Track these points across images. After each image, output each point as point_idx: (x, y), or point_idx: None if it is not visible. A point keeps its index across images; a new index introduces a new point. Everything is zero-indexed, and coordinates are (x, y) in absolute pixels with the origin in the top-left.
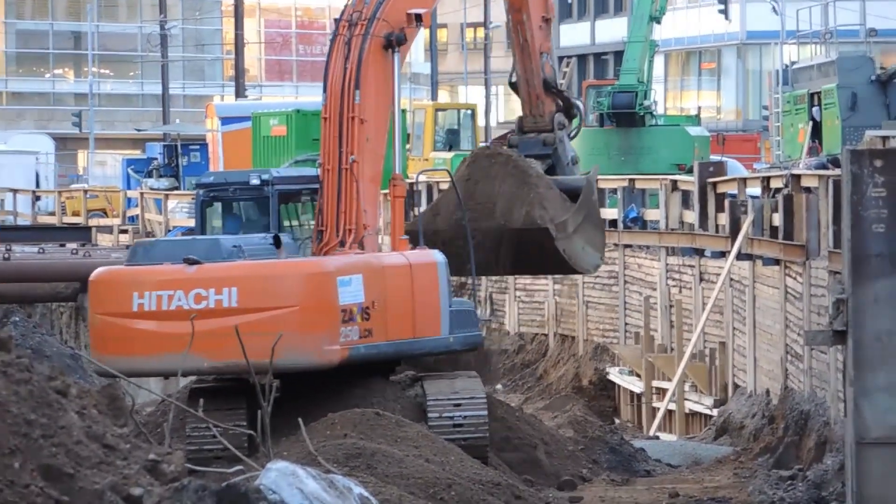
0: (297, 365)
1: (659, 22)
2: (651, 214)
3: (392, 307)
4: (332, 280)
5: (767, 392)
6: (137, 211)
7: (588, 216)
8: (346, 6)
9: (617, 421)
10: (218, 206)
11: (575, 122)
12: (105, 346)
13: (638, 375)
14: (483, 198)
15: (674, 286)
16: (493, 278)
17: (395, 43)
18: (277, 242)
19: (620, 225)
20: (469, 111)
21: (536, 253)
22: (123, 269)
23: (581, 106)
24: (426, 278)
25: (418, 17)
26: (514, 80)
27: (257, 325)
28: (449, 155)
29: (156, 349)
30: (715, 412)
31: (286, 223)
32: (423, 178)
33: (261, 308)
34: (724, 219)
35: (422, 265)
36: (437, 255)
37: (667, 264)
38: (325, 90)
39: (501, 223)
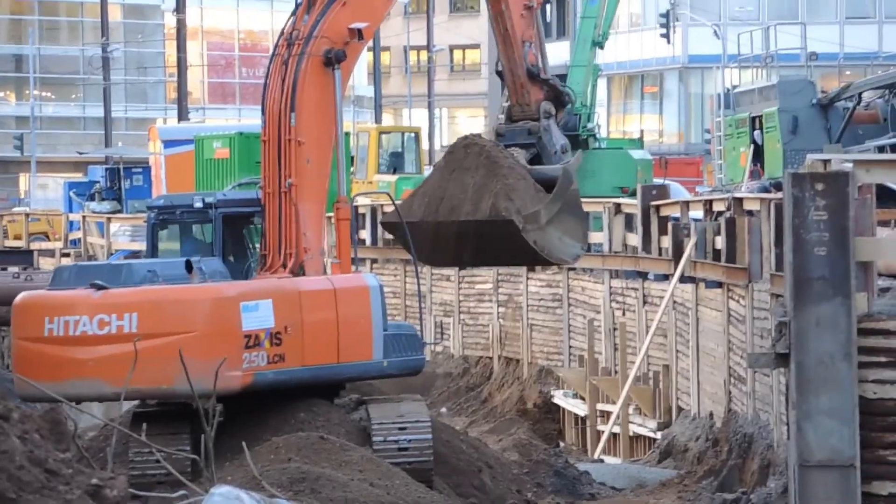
0: (197, 391)
1: (602, 47)
2: (595, 237)
3: (310, 332)
4: (234, 305)
5: (711, 415)
6: (79, 234)
7: (566, 205)
8: (285, 24)
9: (562, 444)
10: (168, 228)
11: (576, 108)
12: (23, 370)
13: (582, 398)
14: (456, 189)
15: (617, 309)
16: (438, 301)
17: (335, 60)
18: (189, 267)
19: None
20: (413, 134)
21: (505, 245)
22: (41, 294)
23: (571, 93)
24: (354, 303)
25: (360, 32)
26: (499, 69)
27: (157, 351)
28: (393, 178)
29: (63, 374)
30: (659, 435)
31: (239, 245)
32: (363, 199)
33: (161, 333)
34: (667, 242)
35: (349, 289)
36: (369, 279)
37: (610, 287)
38: (263, 112)
39: (468, 215)
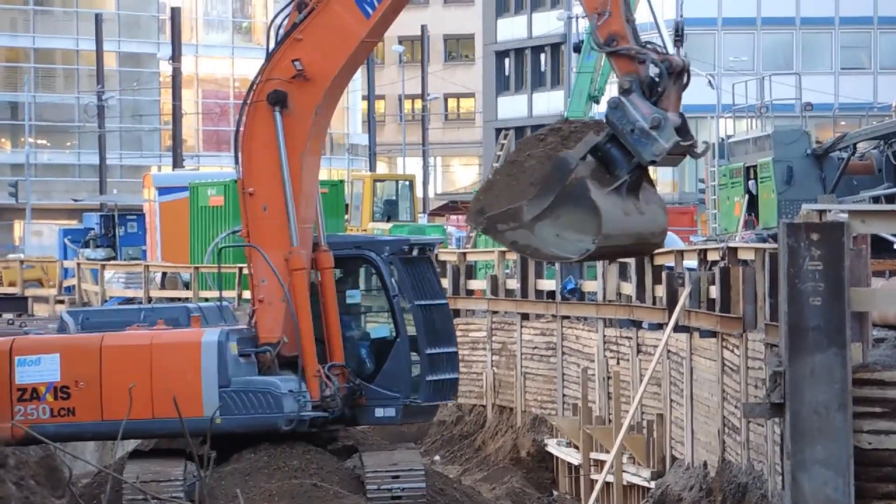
0: None
1: (598, 102)
2: (589, 286)
3: (111, 387)
4: (5, 359)
5: (705, 464)
6: (74, 281)
7: (564, 198)
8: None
9: (555, 493)
10: None
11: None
12: None
13: (576, 447)
14: None
15: (611, 357)
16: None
17: (274, 101)
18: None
19: (558, 296)
20: (407, 182)
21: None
22: None
23: (656, 57)
24: (178, 359)
25: (303, 71)
26: None
27: None
28: (388, 226)
29: None
30: (653, 484)
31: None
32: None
33: None
34: (661, 291)
35: (171, 345)
36: (206, 336)
37: (604, 336)
38: (236, 162)
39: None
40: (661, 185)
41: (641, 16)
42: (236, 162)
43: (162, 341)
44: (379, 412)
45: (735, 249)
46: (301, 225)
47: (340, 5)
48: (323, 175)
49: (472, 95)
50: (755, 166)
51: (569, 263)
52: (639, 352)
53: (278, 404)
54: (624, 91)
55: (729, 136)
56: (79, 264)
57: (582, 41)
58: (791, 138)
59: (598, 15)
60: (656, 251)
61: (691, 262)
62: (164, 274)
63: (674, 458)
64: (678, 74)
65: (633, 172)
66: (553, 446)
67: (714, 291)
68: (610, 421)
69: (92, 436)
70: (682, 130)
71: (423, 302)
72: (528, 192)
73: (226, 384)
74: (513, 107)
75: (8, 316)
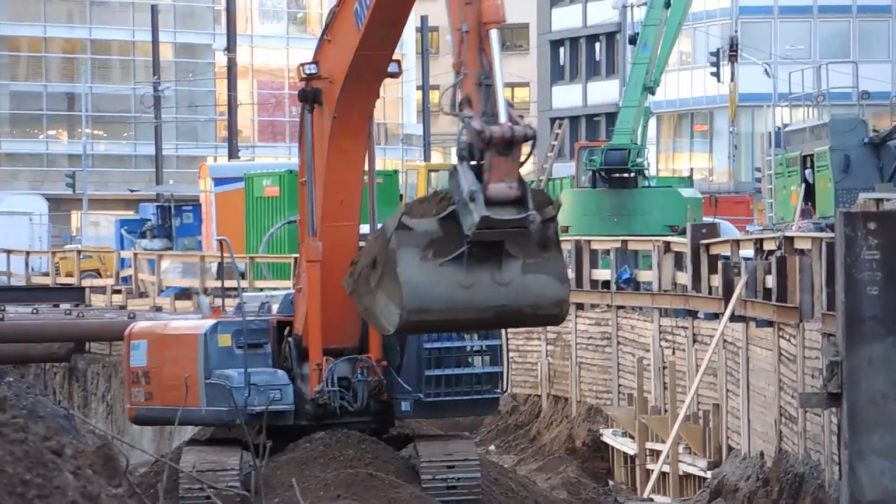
0: None
1: (653, 93)
2: (644, 276)
3: (166, 374)
4: (127, 343)
5: (762, 454)
6: (131, 271)
7: (385, 266)
8: None
9: (611, 483)
10: None
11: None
12: None
13: (632, 437)
14: None
15: (667, 347)
16: None
17: (302, 98)
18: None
19: (613, 286)
20: None
21: None
22: None
23: (477, 126)
24: (185, 349)
25: (312, 74)
26: None
27: None
28: None
29: None
30: (709, 474)
31: None
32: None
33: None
34: (717, 280)
35: (181, 336)
36: (203, 326)
37: (660, 326)
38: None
39: None
40: (718, 174)
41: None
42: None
43: (172, 332)
44: (399, 406)
45: (791, 239)
46: (335, 223)
47: (346, 10)
48: (377, 165)
49: (526, 85)
50: (812, 155)
51: (387, 333)
52: (694, 341)
53: (226, 397)
54: (460, 158)
55: (785, 125)
56: (135, 254)
57: (637, 32)
58: (848, 127)
59: (457, 73)
60: (710, 241)
61: (747, 251)
62: (219, 264)
63: (730, 448)
64: (506, 145)
65: (470, 244)
66: (608, 436)
67: (770, 281)
68: (666, 411)
69: (166, 421)
70: (509, 203)
71: None
72: (376, 258)
73: (208, 376)
74: (567, 96)
75: (65, 306)
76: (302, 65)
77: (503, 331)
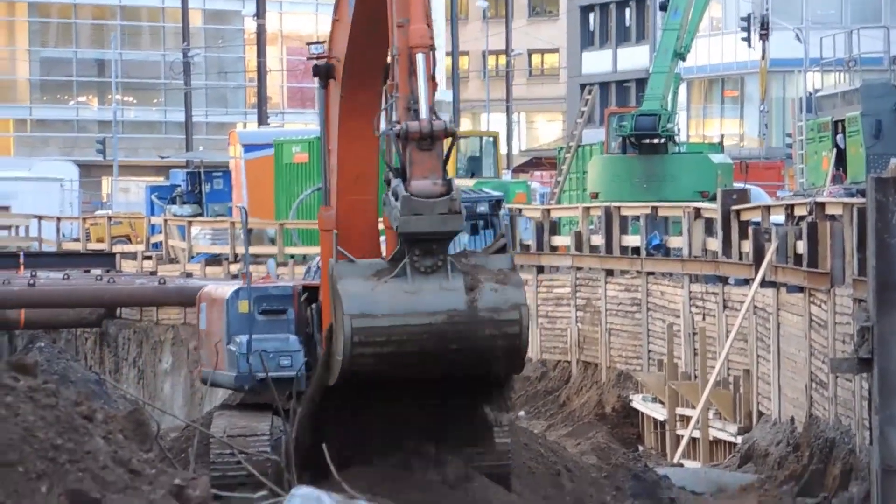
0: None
1: (683, 59)
2: (674, 242)
3: (213, 337)
4: (197, 306)
5: (792, 419)
6: (161, 237)
7: (335, 302)
8: None
9: (640, 448)
10: None
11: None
12: None
13: (661, 402)
14: None
15: (697, 314)
16: None
17: (315, 74)
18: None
19: (643, 252)
20: (491, 139)
21: None
22: None
23: (392, 127)
24: (216, 313)
25: (317, 54)
26: None
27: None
28: (471, 182)
29: None
30: (739, 439)
31: None
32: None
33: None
34: (747, 246)
35: (218, 300)
36: (219, 290)
37: (690, 292)
38: None
39: None
40: (749, 139)
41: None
42: None
43: (217, 296)
44: None
45: (823, 204)
46: (350, 196)
47: None
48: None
49: (556, 51)
50: (843, 120)
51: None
52: (725, 307)
53: (233, 363)
54: (390, 180)
55: (817, 91)
56: (166, 220)
57: None
58: (879, 92)
59: (390, 95)
60: (740, 207)
61: (778, 217)
62: (249, 230)
63: (760, 414)
64: (424, 139)
65: (407, 248)
66: (638, 402)
67: (801, 246)
68: (696, 377)
69: (213, 383)
70: (431, 200)
71: None
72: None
73: (229, 340)
74: (597, 62)
75: (96, 271)
76: (308, 44)
77: None
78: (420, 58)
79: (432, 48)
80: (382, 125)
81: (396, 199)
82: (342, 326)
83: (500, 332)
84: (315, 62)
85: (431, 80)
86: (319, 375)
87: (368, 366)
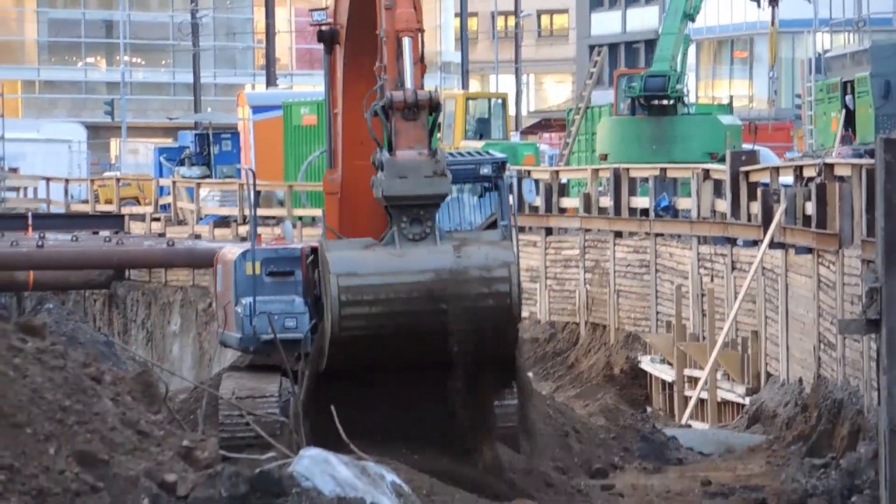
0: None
1: (693, 20)
2: (683, 203)
3: (225, 299)
4: (214, 268)
5: (800, 380)
6: (169, 199)
7: (323, 275)
8: None
9: (649, 409)
10: None
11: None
12: None
13: (670, 364)
14: None
15: (706, 275)
16: (524, 266)
17: (320, 39)
18: None
19: (652, 214)
20: (500, 100)
21: None
22: None
23: (381, 101)
24: (226, 275)
25: (318, 21)
26: None
27: None
28: (480, 144)
29: None
30: (747, 401)
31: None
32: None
33: None
34: (756, 208)
35: (228, 262)
36: (234, 252)
37: (698, 253)
38: None
39: None
40: (758, 100)
41: None
42: None
43: (228, 258)
44: None
45: (831, 165)
46: (355, 161)
47: None
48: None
49: (565, 12)
50: (852, 81)
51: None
52: (733, 269)
53: (239, 324)
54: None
55: (826, 51)
56: (174, 182)
57: None
58: (889, 52)
59: (378, 77)
60: (749, 168)
61: (787, 178)
62: (258, 192)
63: (768, 375)
64: (409, 108)
65: (394, 216)
66: (647, 363)
67: (810, 208)
68: (704, 338)
69: (222, 344)
70: (418, 170)
71: None
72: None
73: (236, 302)
74: (607, 23)
75: (105, 233)
76: (311, 10)
77: None
78: (406, 41)
79: (420, 31)
80: (366, 103)
81: (381, 169)
82: (330, 287)
83: (491, 289)
84: (319, 28)
85: (420, 62)
86: (312, 360)
87: (358, 329)
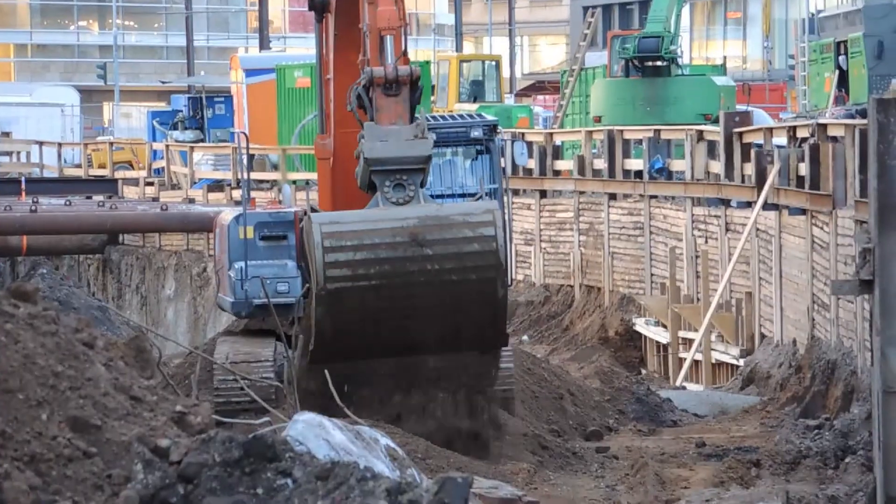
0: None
1: None
2: (677, 165)
3: (219, 262)
4: (213, 232)
5: (794, 342)
6: (163, 163)
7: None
8: None
9: (643, 371)
10: None
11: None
12: None
13: (664, 326)
14: None
15: (700, 237)
16: (519, 229)
17: (311, 7)
18: None
19: (646, 175)
20: (494, 62)
21: None
22: None
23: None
24: (221, 239)
25: None
26: None
27: None
28: (474, 106)
29: None
30: (741, 362)
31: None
32: None
33: None
34: (750, 169)
35: (223, 226)
36: (229, 216)
37: (693, 215)
38: None
39: None
40: (752, 61)
41: None
42: None
43: (222, 222)
44: None
45: (825, 126)
46: (346, 129)
47: None
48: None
49: None
50: (845, 41)
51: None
52: (727, 230)
53: (232, 289)
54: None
55: (819, 11)
56: (167, 146)
57: None
58: (882, 13)
59: (362, 69)
60: (743, 129)
61: (780, 139)
62: (251, 155)
63: (762, 336)
64: (390, 84)
65: (378, 181)
66: (641, 325)
67: (803, 168)
68: (698, 299)
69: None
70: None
71: None
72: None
73: (230, 266)
74: None
75: (98, 198)
76: None
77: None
78: (389, 40)
79: (402, 27)
80: (351, 96)
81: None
82: (313, 236)
83: (475, 233)
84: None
85: (403, 55)
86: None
87: (343, 279)
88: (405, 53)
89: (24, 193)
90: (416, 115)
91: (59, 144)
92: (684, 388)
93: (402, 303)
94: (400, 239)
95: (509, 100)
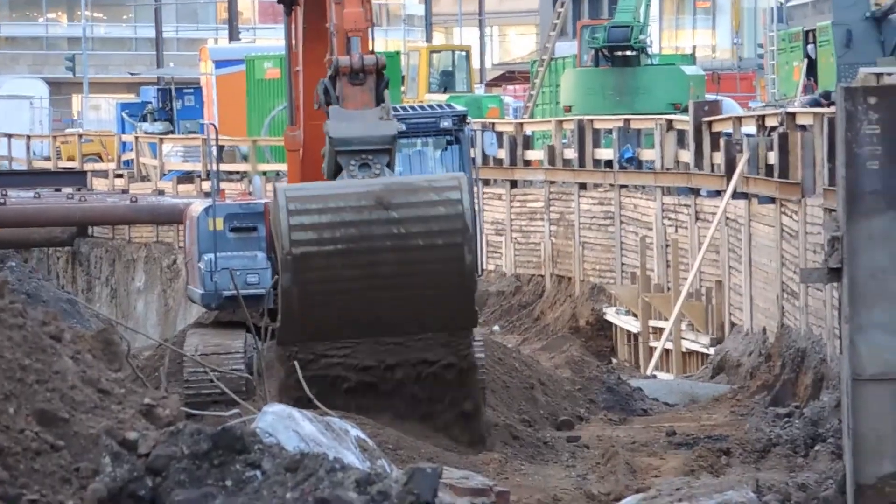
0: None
1: None
2: (646, 154)
3: (189, 254)
4: (184, 223)
5: (764, 330)
6: (132, 155)
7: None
8: None
9: (614, 360)
10: None
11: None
12: None
13: (635, 315)
14: None
15: (670, 226)
16: (489, 219)
17: (279, 1)
18: None
19: (616, 165)
20: (464, 53)
21: None
22: None
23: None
24: (191, 229)
25: None
26: None
27: None
28: (444, 97)
29: None
30: (712, 351)
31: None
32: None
33: None
34: (719, 158)
35: (192, 218)
36: (199, 207)
37: (662, 204)
38: None
39: None
40: (721, 50)
41: None
42: None
43: (192, 214)
44: None
45: (794, 115)
46: (315, 122)
47: None
48: (379, 46)
49: None
50: (814, 30)
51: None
52: (697, 219)
53: (202, 280)
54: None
55: (787, 0)
56: (137, 138)
57: None
58: (850, 1)
59: (328, 68)
60: (712, 118)
61: (750, 128)
62: (221, 147)
63: (732, 325)
64: (355, 73)
65: (343, 162)
66: (612, 315)
67: (772, 157)
68: (668, 289)
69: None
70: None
71: None
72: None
73: (199, 258)
74: None
75: (67, 190)
76: None
77: None
78: (355, 41)
79: (369, 27)
80: (319, 92)
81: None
82: (278, 200)
83: (441, 196)
84: None
85: (370, 54)
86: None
87: (309, 243)
88: (372, 52)
89: None
90: (382, 101)
91: (28, 137)
92: (655, 376)
93: (369, 270)
94: (365, 203)
95: (479, 90)
